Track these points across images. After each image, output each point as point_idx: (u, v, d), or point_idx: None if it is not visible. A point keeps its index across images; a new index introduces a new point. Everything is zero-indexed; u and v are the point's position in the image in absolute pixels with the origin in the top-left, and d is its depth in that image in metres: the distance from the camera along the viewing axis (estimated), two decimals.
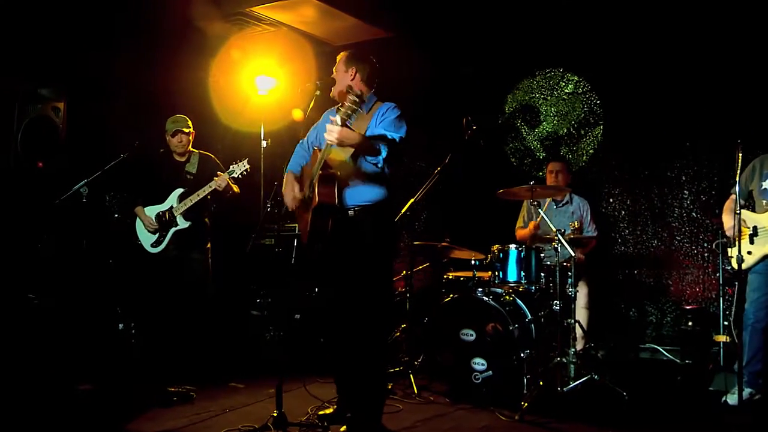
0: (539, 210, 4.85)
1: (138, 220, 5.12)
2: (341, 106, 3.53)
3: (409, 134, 3.75)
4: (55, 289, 5.16)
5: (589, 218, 5.54)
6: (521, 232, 5.58)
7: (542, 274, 4.84)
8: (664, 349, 5.61)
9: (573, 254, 4.54)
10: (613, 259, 6.01)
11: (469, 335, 4.66)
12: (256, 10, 5.96)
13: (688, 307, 5.47)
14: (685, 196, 5.75)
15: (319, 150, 3.78)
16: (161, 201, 5.10)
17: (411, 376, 4.83)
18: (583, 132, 6.17)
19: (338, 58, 3.92)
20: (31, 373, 4.76)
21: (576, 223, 4.85)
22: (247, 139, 6.52)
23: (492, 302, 4.65)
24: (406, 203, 4.92)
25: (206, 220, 5.20)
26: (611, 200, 6.08)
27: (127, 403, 4.38)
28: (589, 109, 6.14)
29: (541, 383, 4.38)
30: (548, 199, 5.54)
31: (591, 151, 6.13)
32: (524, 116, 6.46)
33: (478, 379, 4.59)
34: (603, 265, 5.80)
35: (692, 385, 4.87)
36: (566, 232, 4.74)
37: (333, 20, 6.37)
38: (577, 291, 4.90)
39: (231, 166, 4.97)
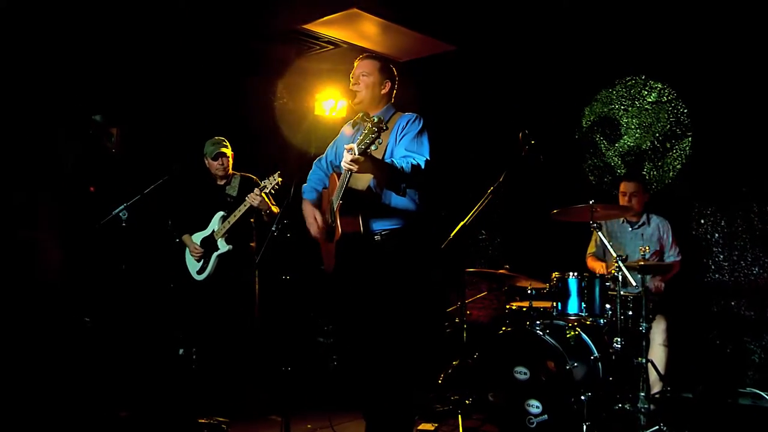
0: (599, 233, 4.28)
1: (186, 248, 5.04)
2: (360, 124, 3.23)
3: (433, 150, 3.38)
4: (109, 313, 5.17)
5: (670, 241, 4.87)
6: (592, 262, 4.98)
7: (607, 306, 4.26)
8: None
9: (634, 283, 3.95)
10: (706, 289, 5.26)
11: (522, 373, 4.17)
12: (310, 27, 5.78)
13: None
14: None
15: (337, 174, 3.47)
16: (205, 227, 4.99)
17: (459, 416, 4.38)
18: (668, 145, 5.49)
19: (366, 63, 3.62)
20: (79, 396, 4.77)
21: (647, 248, 4.24)
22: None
23: (547, 337, 4.14)
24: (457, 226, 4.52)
25: (252, 243, 5.03)
26: (702, 221, 5.35)
27: None
28: (676, 119, 5.46)
29: None
30: (621, 219, 4.93)
31: (678, 166, 5.44)
32: (603, 130, 5.87)
33: (533, 423, 4.07)
34: (690, 296, 5.08)
35: None
36: (634, 258, 4.16)
37: (396, 36, 6.10)
38: (651, 326, 4.30)
39: (263, 182, 4.76)
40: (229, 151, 4.97)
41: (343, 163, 3.15)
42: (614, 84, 5.80)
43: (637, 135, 5.67)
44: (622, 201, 4.91)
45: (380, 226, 3.42)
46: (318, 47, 6.30)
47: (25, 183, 5.49)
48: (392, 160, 3.33)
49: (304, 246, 3.61)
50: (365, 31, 6.00)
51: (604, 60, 5.74)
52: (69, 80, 5.23)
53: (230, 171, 5.04)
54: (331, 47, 6.29)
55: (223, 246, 4.86)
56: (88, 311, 5.15)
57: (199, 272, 4.98)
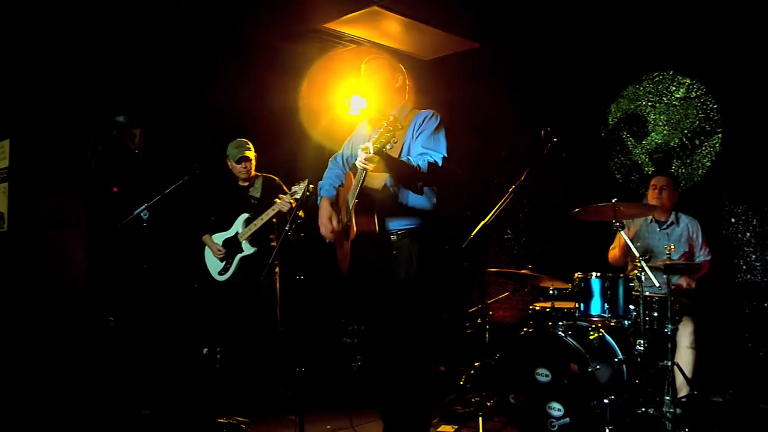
0: (622, 233, 4.17)
1: (206, 248, 5.05)
2: (378, 122, 3.19)
3: (450, 146, 3.33)
4: (132, 312, 5.22)
5: (700, 241, 4.73)
6: (612, 251, 4.87)
7: (631, 307, 4.16)
8: None
9: (657, 284, 3.84)
10: (736, 290, 5.11)
11: (544, 375, 4.10)
12: (332, 26, 5.76)
13: None
14: None
15: (354, 172, 3.44)
16: (227, 227, 5.00)
17: (480, 418, 4.31)
18: (698, 142, 5.34)
19: (375, 62, 3.59)
20: (103, 394, 4.82)
21: (672, 247, 4.12)
22: None
23: (569, 338, 4.06)
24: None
25: (273, 244, 5.02)
26: (733, 220, 5.19)
27: None
28: (705, 115, 5.31)
29: None
30: (649, 218, 4.80)
31: (708, 163, 5.29)
32: (630, 127, 5.73)
33: (554, 426, 4.00)
34: (719, 297, 4.94)
35: None
36: (660, 258, 4.05)
37: (419, 34, 6.05)
38: (677, 328, 4.18)
39: (293, 187, 4.76)
40: (251, 154, 4.98)
41: (358, 162, 3.13)
42: (641, 80, 5.66)
43: (665, 132, 5.53)
44: (652, 195, 4.78)
45: (396, 225, 3.39)
46: (341, 46, 6.29)
47: (53, 184, 5.58)
48: (408, 158, 3.29)
49: (318, 245, 3.58)
50: (388, 29, 5.97)
51: (631, 55, 5.61)
52: (93, 82, 5.28)
53: (253, 173, 5.04)
54: (354, 46, 6.27)
55: (247, 248, 4.86)
56: (111, 310, 5.19)
57: (221, 273, 5.00)
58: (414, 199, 3.41)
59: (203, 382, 5.14)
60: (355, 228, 3.34)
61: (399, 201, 3.40)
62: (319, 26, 5.76)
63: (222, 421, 4.31)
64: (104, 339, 5.15)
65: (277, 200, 4.72)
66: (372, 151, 3.02)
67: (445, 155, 3.31)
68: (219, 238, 5.01)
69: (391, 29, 5.98)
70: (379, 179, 3.36)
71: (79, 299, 5.36)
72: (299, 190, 4.71)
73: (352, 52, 6.36)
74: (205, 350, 5.52)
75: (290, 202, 4.69)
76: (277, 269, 4.98)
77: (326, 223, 3.53)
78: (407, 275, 3.35)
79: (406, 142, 3.41)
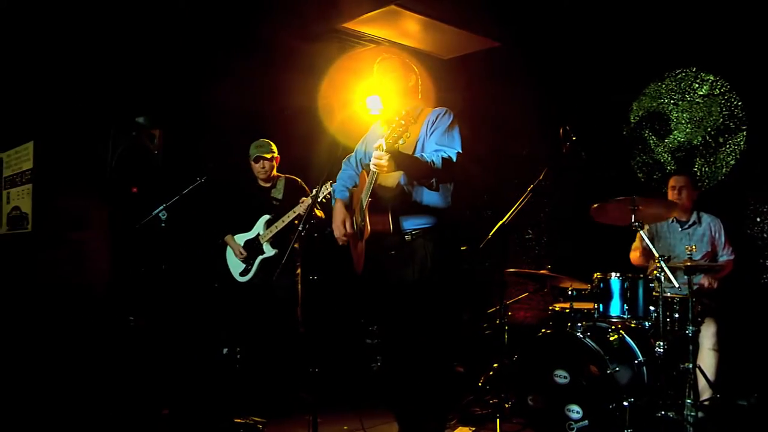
0: (641, 232, 4.10)
1: (228, 248, 5.07)
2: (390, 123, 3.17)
3: (465, 143, 3.30)
4: (152, 312, 5.26)
5: (723, 241, 4.64)
6: (633, 252, 4.79)
7: (651, 308, 4.09)
8: None
9: (677, 285, 3.76)
10: (762, 290, 4.99)
11: (562, 377, 4.04)
12: (351, 26, 5.75)
13: None
14: None
15: (368, 172, 3.43)
16: (249, 228, 5.01)
17: (497, 420, 4.27)
18: (722, 140, 5.24)
19: (388, 61, 3.58)
20: (124, 394, 4.86)
21: (694, 247, 4.04)
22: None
23: (588, 340, 4.01)
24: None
25: (296, 245, 5.02)
26: (759, 219, 5.07)
27: None
28: (729, 112, 5.20)
29: None
30: (670, 218, 4.72)
31: (732, 162, 5.18)
32: (652, 125, 5.64)
33: (573, 428, 3.95)
34: (743, 298, 4.83)
35: None
36: (681, 258, 3.98)
37: (438, 33, 6.02)
38: (699, 330, 4.10)
39: (314, 190, 4.75)
40: (269, 154, 4.96)
41: (371, 163, 3.10)
42: (663, 77, 5.56)
43: (687, 130, 5.43)
44: (671, 196, 4.71)
45: (411, 224, 3.37)
46: (360, 46, 6.28)
47: (75, 185, 5.66)
48: (422, 155, 3.27)
49: (333, 245, 3.57)
50: (407, 28, 5.94)
51: (653, 52, 5.51)
52: (114, 84, 5.34)
53: (274, 173, 5.04)
54: (374, 45, 6.25)
55: (269, 250, 4.86)
56: (132, 310, 5.24)
57: (242, 274, 5.01)
58: (428, 198, 3.38)
59: (222, 382, 5.17)
60: (369, 227, 3.32)
61: (413, 199, 3.38)
62: (338, 26, 5.75)
63: (239, 421, 4.32)
64: (124, 339, 5.21)
65: (301, 203, 4.70)
66: (385, 148, 2.99)
67: (460, 151, 3.28)
68: (241, 239, 5.02)
69: (410, 28, 5.95)
70: (393, 178, 3.34)
71: (100, 299, 5.42)
72: (321, 193, 4.69)
73: (372, 52, 6.35)
74: (225, 350, 5.55)
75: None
76: (298, 270, 4.97)
77: (339, 226, 3.52)
78: (422, 275, 3.32)
79: (420, 139, 3.39)
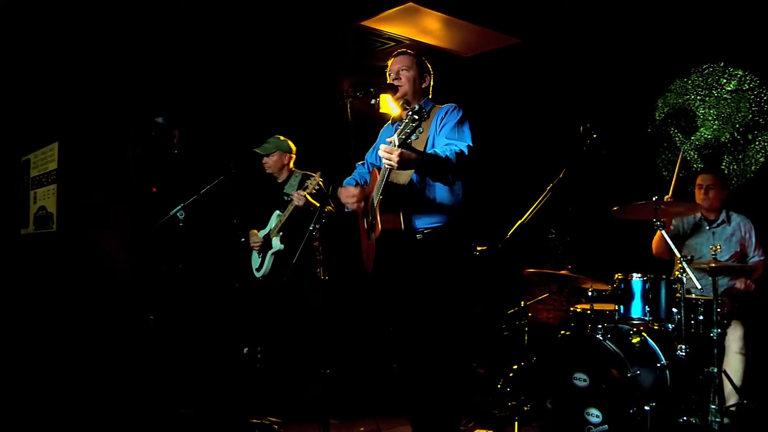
0: (662, 231, 3.98)
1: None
2: (400, 121, 3.13)
3: (476, 139, 3.23)
4: (171, 311, 5.29)
5: (753, 241, 4.50)
6: (657, 246, 4.65)
7: (674, 310, 3.97)
8: None
9: (699, 286, 3.65)
10: None
11: (582, 380, 3.95)
12: (369, 24, 5.71)
13: None
14: None
15: (378, 170, 3.38)
16: (266, 224, 5.02)
17: (516, 423, 4.21)
18: (750, 137, 5.08)
19: (404, 59, 3.52)
20: (142, 392, 4.90)
21: (719, 247, 3.92)
22: None
23: (608, 342, 3.91)
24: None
25: (315, 243, 4.99)
26: None
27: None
28: (759, 108, 5.04)
29: None
30: (697, 216, 4.59)
31: (761, 159, 5.02)
32: (678, 122, 5.50)
33: None
34: None
35: None
36: (706, 258, 3.86)
37: (458, 30, 5.95)
38: (725, 332, 3.97)
39: (306, 182, 4.74)
40: (269, 152, 4.94)
41: (383, 159, 3.03)
42: (689, 73, 5.43)
43: (714, 127, 5.29)
44: (699, 195, 4.57)
45: (422, 223, 3.31)
46: (380, 44, 6.24)
47: (98, 185, 5.72)
48: (434, 150, 3.21)
49: (343, 245, 3.53)
50: (427, 26, 5.88)
51: (678, 47, 5.38)
52: (133, 84, 5.38)
53: (291, 167, 5.03)
54: (394, 44, 6.21)
55: (276, 245, 4.86)
56: (152, 309, 5.28)
57: (258, 269, 5.03)
58: (441, 196, 3.32)
59: (241, 381, 5.17)
60: (380, 226, 3.27)
61: (425, 197, 3.32)
62: (357, 24, 5.71)
63: (255, 421, 4.31)
64: (144, 337, 5.25)
65: (294, 195, 4.69)
66: (397, 144, 2.94)
67: (471, 144, 3.21)
68: (261, 234, 5.05)
69: (430, 26, 5.89)
70: (405, 175, 3.28)
71: (122, 298, 5.47)
72: (310, 184, 4.67)
73: (392, 50, 6.31)
74: (245, 350, 5.56)
75: (304, 196, 4.64)
76: (319, 269, 4.93)
77: (350, 197, 3.47)
78: (434, 275, 3.26)
79: (430, 136, 3.34)
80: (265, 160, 4.96)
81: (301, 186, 4.97)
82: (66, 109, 5.80)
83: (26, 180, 6.62)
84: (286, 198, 4.98)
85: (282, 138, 5.04)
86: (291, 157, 5.05)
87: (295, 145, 5.14)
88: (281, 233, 4.85)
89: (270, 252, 4.89)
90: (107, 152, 5.64)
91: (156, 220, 4.77)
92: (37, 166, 6.51)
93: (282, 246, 4.84)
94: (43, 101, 5.92)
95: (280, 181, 5.05)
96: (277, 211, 4.92)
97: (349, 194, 3.48)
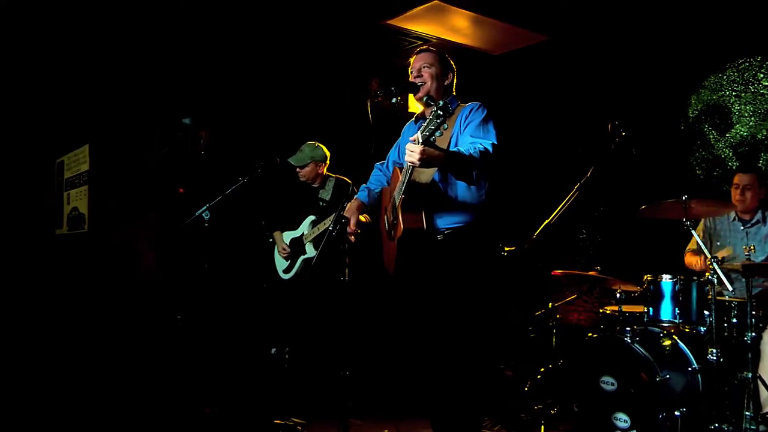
0: (692, 231, 3.86)
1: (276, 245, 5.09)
2: (423, 119, 3.08)
3: (502, 137, 3.17)
4: (198, 311, 5.32)
5: None
6: (689, 257, 4.53)
7: (706, 313, 3.85)
8: None
9: (730, 288, 3.53)
10: None
11: (609, 384, 3.86)
12: (396, 23, 5.67)
13: None
14: None
15: (401, 169, 3.33)
16: (296, 227, 5.01)
17: (542, 426, 4.13)
18: None
19: (427, 55, 3.46)
20: (170, 391, 4.94)
21: (753, 247, 3.78)
22: None
23: (636, 345, 3.80)
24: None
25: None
26: None
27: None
28: None
29: None
30: (731, 215, 4.45)
31: None
32: (712, 119, 5.35)
33: None
34: None
35: None
36: (740, 259, 3.73)
37: (486, 28, 5.88)
38: (761, 336, 3.83)
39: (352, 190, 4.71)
40: (303, 163, 4.91)
41: (406, 156, 2.98)
42: (725, 68, 5.27)
43: (751, 123, 5.12)
44: (735, 195, 4.43)
45: (444, 223, 3.26)
46: (407, 43, 6.20)
47: (129, 186, 5.79)
48: (458, 149, 3.15)
49: (365, 247, 3.50)
50: (455, 24, 5.82)
51: (713, 42, 5.23)
52: (162, 84, 5.43)
53: (324, 172, 5.01)
54: (420, 42, 6.16)
55: (310, 251, 4.85)
56: (179, 309, 5.32)
57: (285, 271, 5.02)
58: (464, 195, 3.26)
59: (266, 382, 5.18)
60: (402, 226, 3.23)
61: (448, 196, 3.27)
62: (383, 23, 5.68)
63: (278, 422, 4.31)
64: (172, 338, 5.29)
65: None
66: (420, 141, 2.89)
67: (495, 143, 3.14)
68: (287, 236, 5.03)
69: (457, 24, 5.83)
70: (427, 173, 3.24)
71: (150, 298, 5.53)
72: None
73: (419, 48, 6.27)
74: (273, 350, 5.56)
75: None
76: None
77: (351, 226, 3.54)
78: (454, 275, 3.21)
79: (454, 134, 3.28)
80: (298, 171, 4.94)
81: (339, 191, 4.92)
82: (97, 111, 5.89)
83: (60, 181, 6.75)
84: (321, 204, 4.96)
85: (316, 145, 4.99)
86: (325, 165, 5.02)
87: (323, 144, 5.12)
88: (315, 240, 4.82)
89: (302, 257, 4.87)
90: (136, 154, 5.70)
91: (183, 221, 4.82)
92: (70, 168, 6.63)
93: (317, 252, 4.81)
94: (76, 103, 6.02)
95: (314, 186, 5.03)
96: (312, 216, 4.90)
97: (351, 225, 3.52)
